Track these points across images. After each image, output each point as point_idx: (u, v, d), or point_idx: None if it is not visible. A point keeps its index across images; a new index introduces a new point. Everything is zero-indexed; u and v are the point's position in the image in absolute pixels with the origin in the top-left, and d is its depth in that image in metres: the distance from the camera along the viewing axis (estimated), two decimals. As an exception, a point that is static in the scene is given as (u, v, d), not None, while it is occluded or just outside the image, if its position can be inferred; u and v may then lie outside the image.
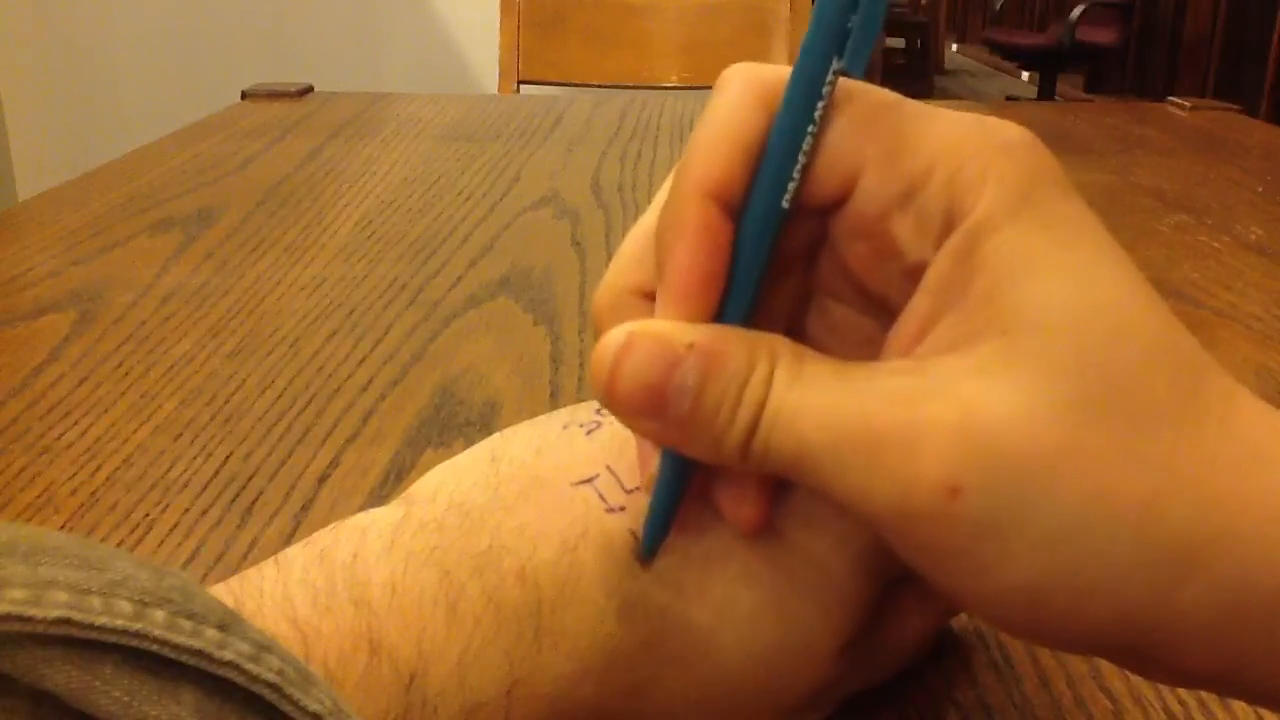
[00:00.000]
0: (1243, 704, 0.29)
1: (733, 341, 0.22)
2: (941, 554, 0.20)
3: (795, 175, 0.22)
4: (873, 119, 0.22)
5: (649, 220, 0.24)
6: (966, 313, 0.20)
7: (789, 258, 0.23)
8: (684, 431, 0.22)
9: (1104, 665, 0.30)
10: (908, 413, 0.20)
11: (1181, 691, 0.30)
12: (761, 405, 0.21)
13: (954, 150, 0.21)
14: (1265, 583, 0.19)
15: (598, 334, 0.23)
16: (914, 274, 0.22)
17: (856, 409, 0.20)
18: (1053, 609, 0.20)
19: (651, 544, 0.24)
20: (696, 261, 0.22)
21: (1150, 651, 0.20)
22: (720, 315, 0.22)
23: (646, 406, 0.22)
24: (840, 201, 0.22)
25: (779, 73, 0.22)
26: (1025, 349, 0.20)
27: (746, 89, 0.22)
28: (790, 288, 0.24)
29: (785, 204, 0.22)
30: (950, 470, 0.19)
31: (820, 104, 0.21)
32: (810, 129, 0.21)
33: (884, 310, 0.23)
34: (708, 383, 0.21)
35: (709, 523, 0.25)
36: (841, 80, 0.21)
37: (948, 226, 0.21)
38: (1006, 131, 0.21)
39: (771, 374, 0.21)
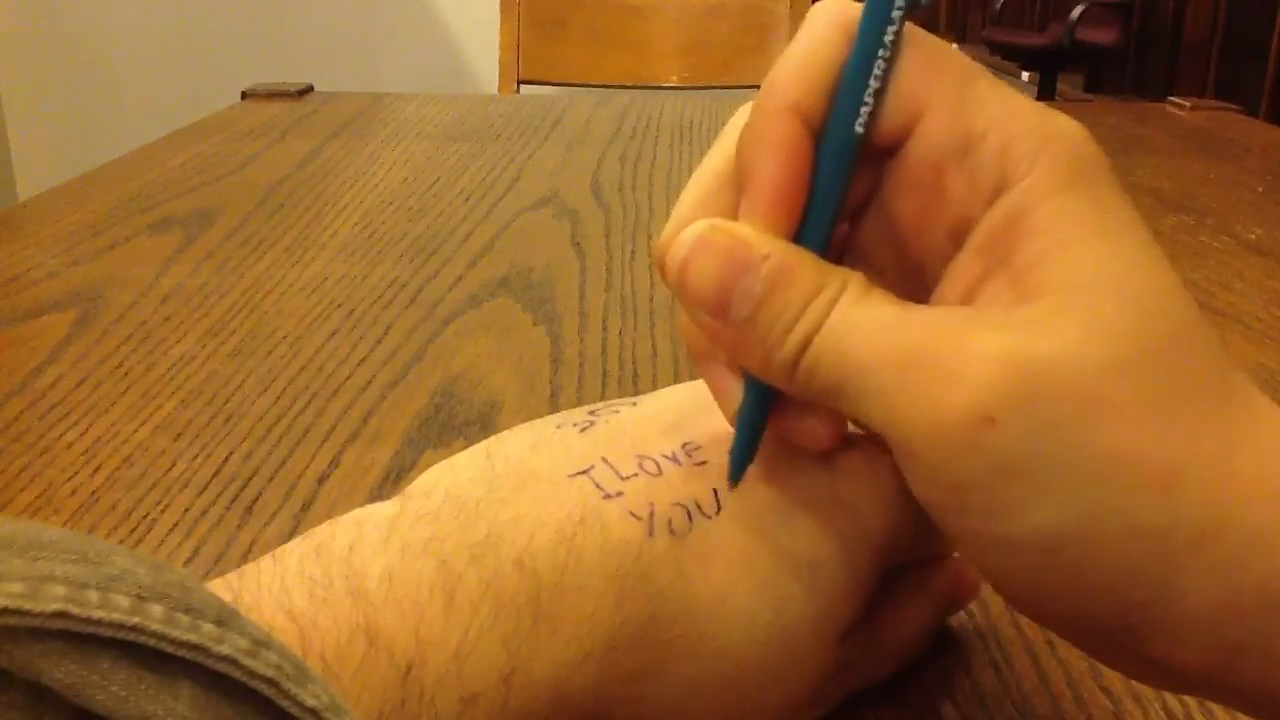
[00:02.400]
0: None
1: (807, 263, 0.22)
2: (963, 489, 0.20)
3: (868, 99, 0.22)
4: (942, 63, 0.22)
5: (713, 163, 0.25)
6: (1014, 275, 0.21)
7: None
8: (739, 336, 0.23)
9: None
10: (952, 340, 0.21)
11: (1180, 689, 0.30)
12: (818, 326, 0.22)
13: (1011, 121, 0.22)
14: (1263, 570, 0.19)
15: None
16: (958, 232, 0.22)
17: (905, 331, 0.21)
18: (1062, 564, 0.20)
19: (739, 469, 0.25)
20: (780, 174, 0.23)
21: (1146, 634, 0.20)
22: (798, 241, 0.23)
23: (711, 302, 0.23)
24: (901, 140, 0.23)
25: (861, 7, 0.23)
26: (1072, 308, 0.20)
27: (832, 20, 0.23)
28: (834, 252, 0.25)
29: (860, 128, 0.22)
30: (986, 400, 0.20)
31: (891, 29, 0.22)
32: (882, 53, 0.22)
33: (920, 284, 0.23)
34: (773, 294, 0.22)
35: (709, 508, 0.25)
36: (915, 28, 0.22)
37: (998, 190, 0.21)
38: (1063, 120, 0.22)
39: (836, 299, 0.22)
